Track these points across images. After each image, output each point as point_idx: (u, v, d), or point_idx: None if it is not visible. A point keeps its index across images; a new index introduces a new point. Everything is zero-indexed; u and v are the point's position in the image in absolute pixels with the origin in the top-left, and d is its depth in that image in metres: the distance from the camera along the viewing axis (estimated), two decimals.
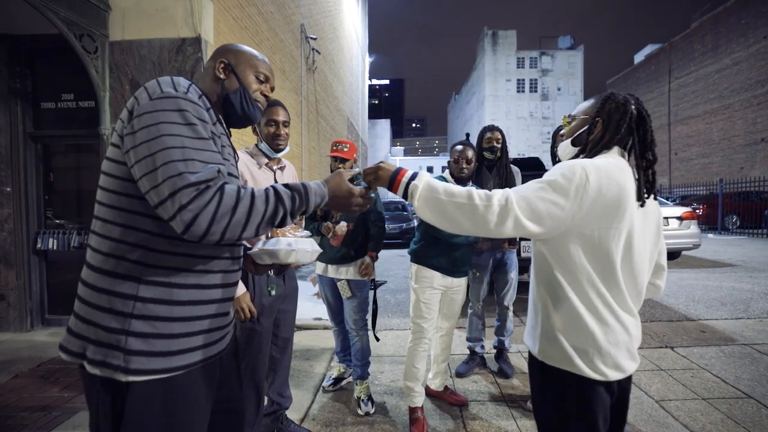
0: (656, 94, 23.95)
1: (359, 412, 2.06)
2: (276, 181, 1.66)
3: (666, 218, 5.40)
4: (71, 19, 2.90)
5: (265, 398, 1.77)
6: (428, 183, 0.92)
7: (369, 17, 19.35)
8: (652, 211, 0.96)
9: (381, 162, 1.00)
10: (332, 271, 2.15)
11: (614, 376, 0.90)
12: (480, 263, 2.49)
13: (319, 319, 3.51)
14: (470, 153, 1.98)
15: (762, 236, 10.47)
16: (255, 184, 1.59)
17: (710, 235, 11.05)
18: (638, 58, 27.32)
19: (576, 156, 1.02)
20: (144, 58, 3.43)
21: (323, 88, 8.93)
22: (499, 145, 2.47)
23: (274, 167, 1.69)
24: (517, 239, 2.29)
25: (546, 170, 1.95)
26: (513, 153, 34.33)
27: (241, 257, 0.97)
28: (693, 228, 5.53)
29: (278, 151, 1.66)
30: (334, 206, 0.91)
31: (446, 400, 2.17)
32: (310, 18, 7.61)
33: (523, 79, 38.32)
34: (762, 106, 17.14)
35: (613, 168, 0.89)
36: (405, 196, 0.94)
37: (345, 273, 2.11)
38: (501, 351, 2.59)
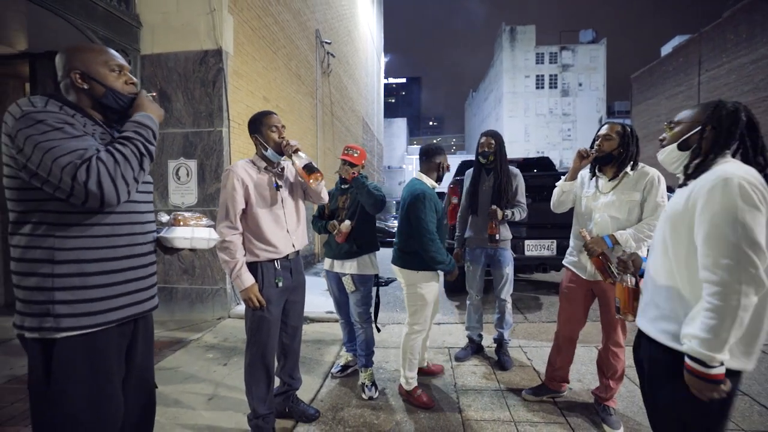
0: (684, 88, 22.83)
1: (363, 396, 2.23)
2: (277, 183, 1.78)
3: None
4: (108, 36, 3.21)
5: (277, 379, 1.96)
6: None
7: (385, 16, 19.45)
8: None
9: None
10: (338, 266, 2.31)
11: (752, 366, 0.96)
12: (473, 258, 2.68)
13: (331, 312, 3.71)
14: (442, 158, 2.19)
15: None
16: (257, 187, 1.73)
17: None
18: (665, 50, 26.12)
19: (691, 160, 1.08)
20: (171, 70, 3.72)
21: (338, 90, 9.14)
22: (491, 150, 2.56)
23: (275, 170, 1.80)
24: (497, 237, 2.44)
25: (555, 170, 1.98)
26: (531, 151, 33.73)
27: (149, 233, 1.15)
28: None
29: (282, 154, 1.76)
30: (149, 108, 1.09)
31: (427, 372, 2.49)
32: (324, 23, 7.82)
33: (543, 75, 37.31)
34: None
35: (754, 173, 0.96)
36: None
37: (349, 268, 2.27)
38: (501, 343, 2.71)
